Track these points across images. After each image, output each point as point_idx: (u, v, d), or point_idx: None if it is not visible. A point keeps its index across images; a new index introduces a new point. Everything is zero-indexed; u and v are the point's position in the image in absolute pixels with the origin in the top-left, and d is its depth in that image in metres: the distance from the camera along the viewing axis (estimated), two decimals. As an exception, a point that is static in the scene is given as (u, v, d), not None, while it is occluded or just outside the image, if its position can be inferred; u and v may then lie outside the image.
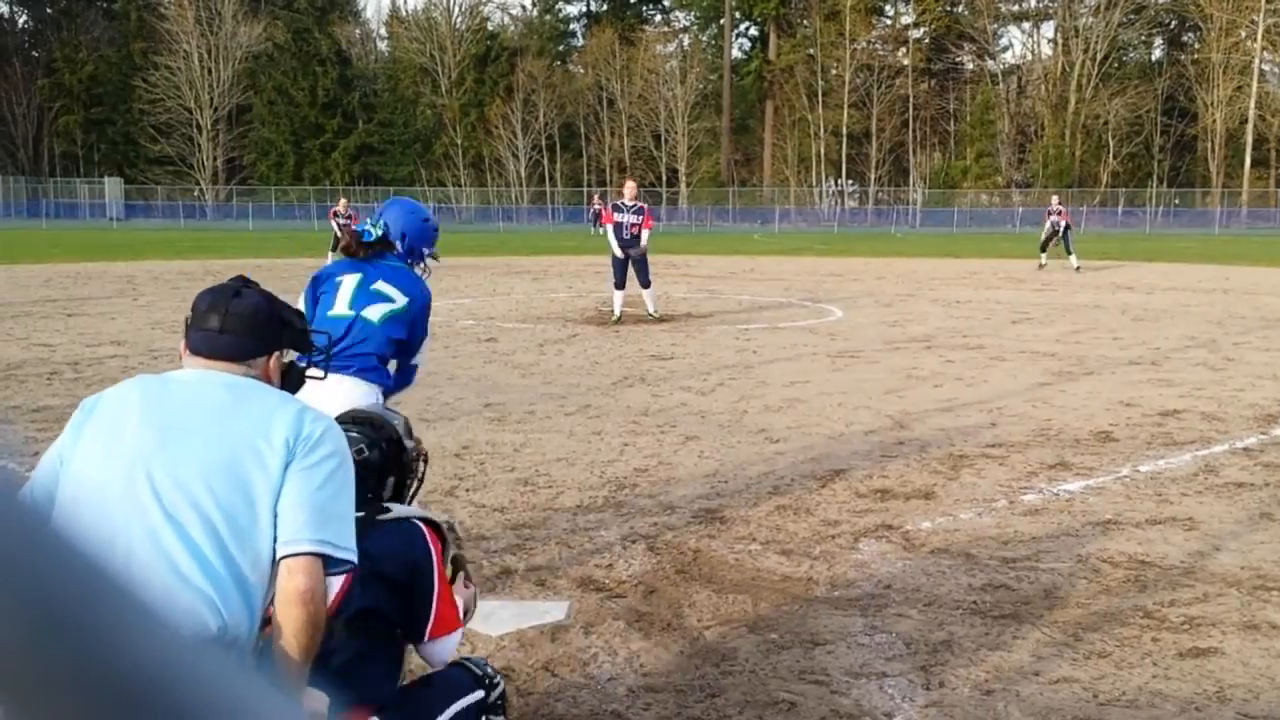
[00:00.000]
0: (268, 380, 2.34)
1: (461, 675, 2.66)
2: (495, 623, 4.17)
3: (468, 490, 6.03)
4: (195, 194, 64.42)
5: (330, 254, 25.38)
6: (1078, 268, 23.96)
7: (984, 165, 62.72)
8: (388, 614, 2.53)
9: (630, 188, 14.70)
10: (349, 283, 4.09)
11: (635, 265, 14.16)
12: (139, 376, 2.31)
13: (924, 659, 3.85)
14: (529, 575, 4.70)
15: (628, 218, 14.17)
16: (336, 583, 2.42)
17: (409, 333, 4.09)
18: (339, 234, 24.66)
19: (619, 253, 14.10)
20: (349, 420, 2.74)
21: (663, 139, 64.87)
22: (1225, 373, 10.12)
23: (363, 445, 2.69)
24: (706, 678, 3.71)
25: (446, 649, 2.65)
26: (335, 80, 65.11)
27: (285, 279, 21.25)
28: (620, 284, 14.25)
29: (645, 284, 14.36)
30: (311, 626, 2.11)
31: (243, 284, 2.37)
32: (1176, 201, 60.43)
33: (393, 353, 4.07)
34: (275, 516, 2.12)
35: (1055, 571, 4.75)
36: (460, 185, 64.41)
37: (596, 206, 46.83)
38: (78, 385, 9.13)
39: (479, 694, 2.64)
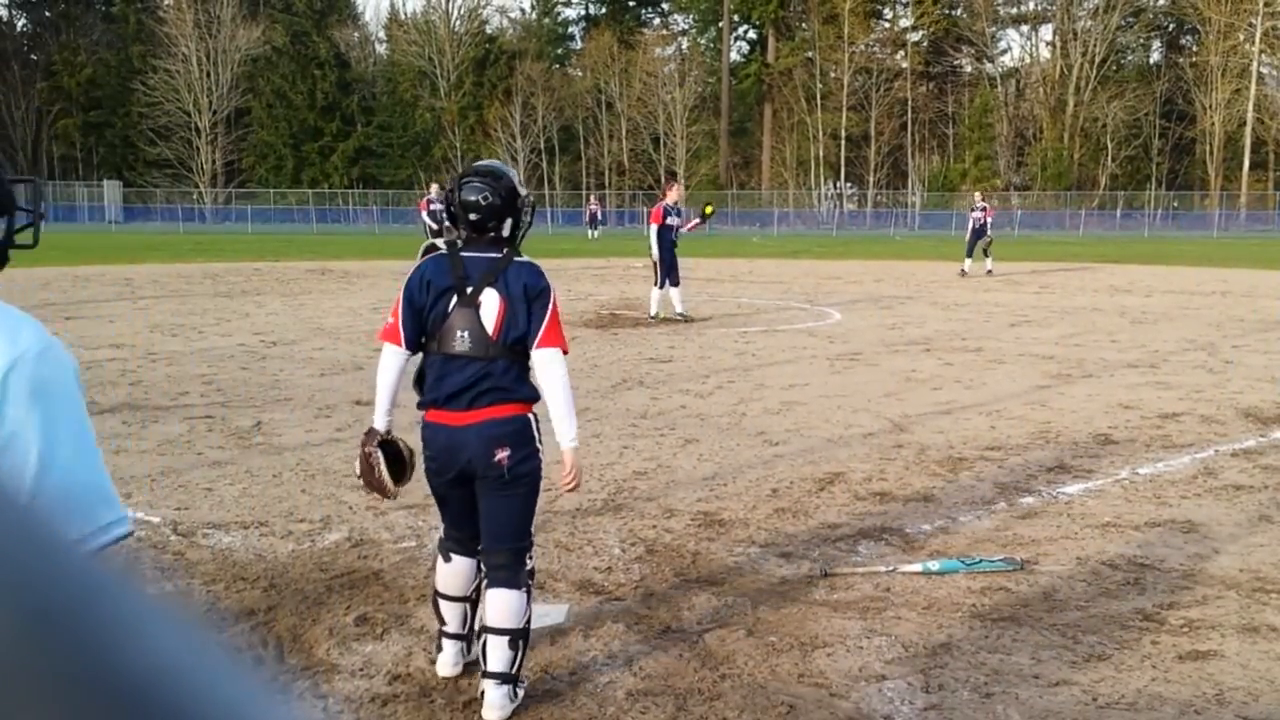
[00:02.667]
0: None
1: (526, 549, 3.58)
2: (494, 626, 4.16)
3: (467, 493, 6.02)
4: (194, 197, 64.31)
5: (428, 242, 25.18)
6: (962, 271, 23.19)
7: (983, 168, 62.67)
8: (525, 335, 3.40)
9: (676, 190, 15.03)
10: None
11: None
12: None
13: (923, 662, 3.85)
14: (528, 578, 4.69)
15: (675, 220, 14.53)
16: (494, 310, 3.36)
17: None
18: (431, 224, 24.45)
19: (659, 253, 14.29)
20: (474, 173, 3.45)
21: (661, 142, 64.87)
22: (1224, 375, 10.12)
23: (487, 193, 3.39)
24: (705, 681, 3.71)
25: (552, 360, 3.43)
26: (334, 83, 65.07)
27: (285, 282, 21.26)
28: (677, 280, 14.54)
29: (663, 284, 14.56)
30: None
31: None
32: (1175, 204, 60.45)
33: None
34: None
35: (1054, 574, 4.75)
36: (459, 188, 64.33)
37: (594, 208, 46.77)
38: (76, 388, 9.12)
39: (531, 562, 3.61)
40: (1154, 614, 4.28)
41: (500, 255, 3.44)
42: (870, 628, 4.16)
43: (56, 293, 18.47)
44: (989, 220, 23.51)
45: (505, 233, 3.49)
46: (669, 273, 14.40)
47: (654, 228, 14.38)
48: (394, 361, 3.49)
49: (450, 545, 3.69)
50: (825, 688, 3.65)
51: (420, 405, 3.48)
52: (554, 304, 3.45)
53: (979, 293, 19.54)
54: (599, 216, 46.39)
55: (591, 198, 50.08)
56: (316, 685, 3.74)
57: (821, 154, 64.82)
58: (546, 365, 3.43)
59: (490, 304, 3.38)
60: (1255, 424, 7.91)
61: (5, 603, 0.37)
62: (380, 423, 3.58)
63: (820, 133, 63.99)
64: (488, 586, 3.50)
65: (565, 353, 3.48)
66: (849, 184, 68.20)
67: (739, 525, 5.46)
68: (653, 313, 14.61)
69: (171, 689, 0.40)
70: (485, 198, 3.41)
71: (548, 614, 4.28)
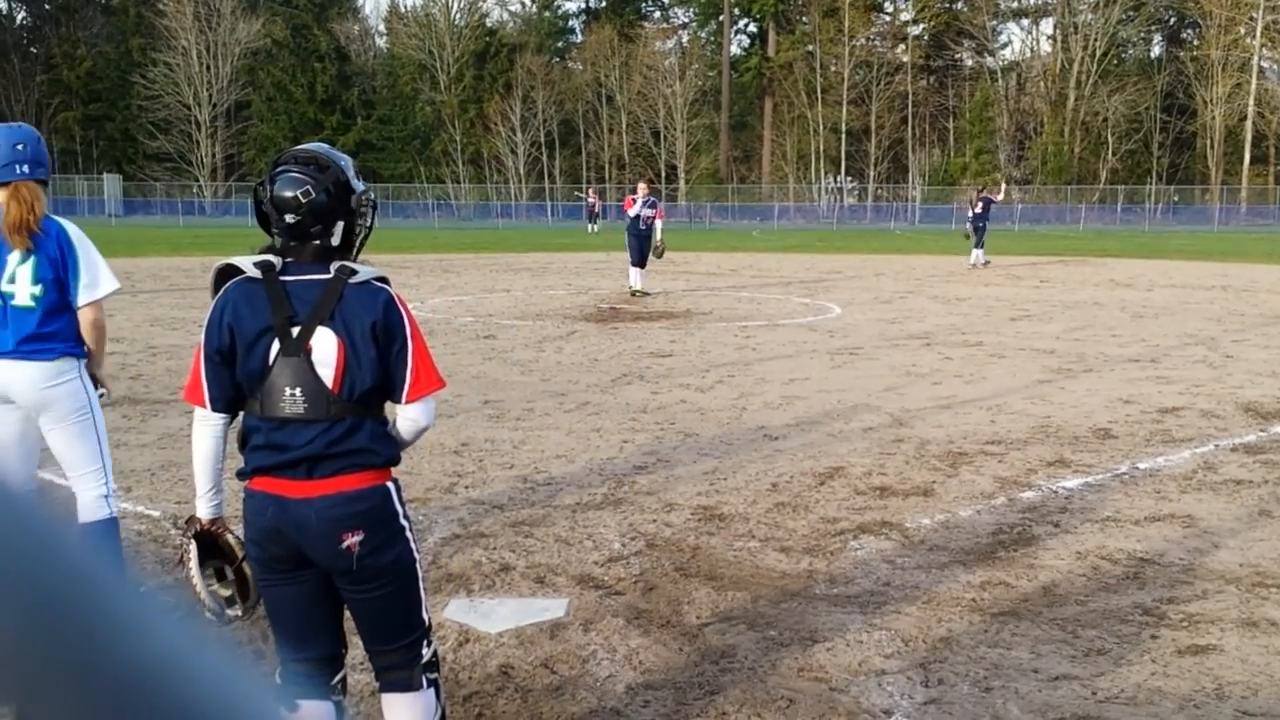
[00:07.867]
0: None
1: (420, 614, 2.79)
2: (494, 620, 4.17)
3: (466, 487, 6.03)
4: (194, 190, 64.29)
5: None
6: (973, 264, 23.45)
7: (983, 162, 62.59)
8: (378, 384, 2.60)
9: (642, 188, 17.65)
10: None
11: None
12: None
13: (923, 656, 3.86)
14: (528, 572, 4.70)
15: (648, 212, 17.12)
16: (332, 356, 2.55)
17: None
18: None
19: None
20: (292, 159, 2.66)
21: (661, 136, 64.79)
22: (1224, 370, 10.12)
23: (309, 186, 2.60)
24: (705, 675, 3.71)
25: (423, 414, 2.68)
26: (334, 77, 64.98)
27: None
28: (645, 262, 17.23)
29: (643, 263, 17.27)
30: None
31: None
32: (1175, 198, 60.41)
33: None
34: None
35: (1054, 569, 4.75)
36: (459, 182, 64.34)
37: (592, 201, 46.65)
38: (76, 382, 9.11)
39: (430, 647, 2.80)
40: (1154, 609, 4.29)
41: (331, 276, 2.60)
42: (870, 622, 4.16)
43: (56, 286, 18.43)
44: (986, 211, 23.59)
45: (335, 241, 2.65)
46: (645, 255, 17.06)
47: (659, 223, 17.07)
48: (206, 430, 2.69)
49: (293, 678, 2.73)
50: (825, 682, 3.66)
51: (241, 474, 2.67)
52: (414, 336, 2.64)
53: (979, 287, 19.53)
54: (598, 210, 46.31)
55: (591, 191, 49.92)
56: (317, 679, 3.74)
57: (822, 148, 64.77)
58: (415, 421, 2.67)
59: (325, 348, 2.55)
60: (1255, 419, 7.91)
61: (6, 595, 0.37)
62: (203, 507, 2.78)
63: (820, 127, 63.95)
64: (382, 690, 2.79)
65: (443, 386, 2.72)
66: (849, 178, 68.13)
67: (739, 520, 5.47)
68: (639, 287, 16.91)
69: (172, 681, 0.40)
70: (306, 193, 2.58)
71: (548, 608, 4.29)
